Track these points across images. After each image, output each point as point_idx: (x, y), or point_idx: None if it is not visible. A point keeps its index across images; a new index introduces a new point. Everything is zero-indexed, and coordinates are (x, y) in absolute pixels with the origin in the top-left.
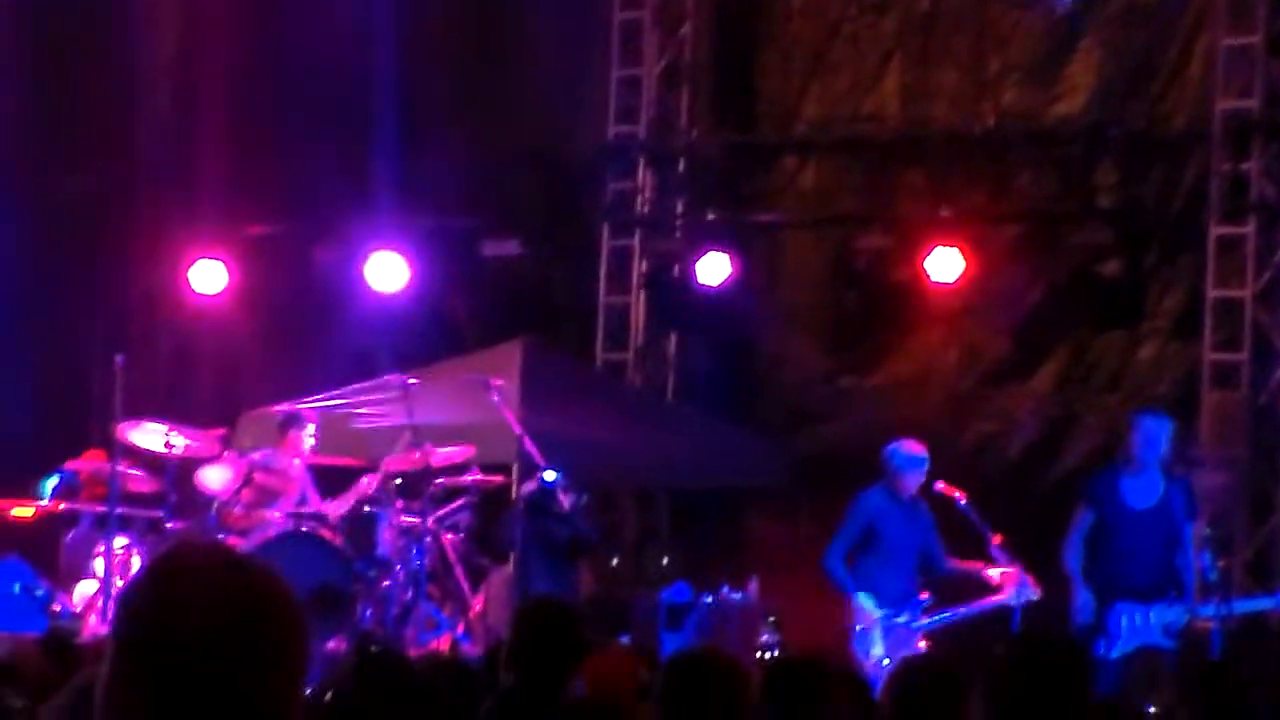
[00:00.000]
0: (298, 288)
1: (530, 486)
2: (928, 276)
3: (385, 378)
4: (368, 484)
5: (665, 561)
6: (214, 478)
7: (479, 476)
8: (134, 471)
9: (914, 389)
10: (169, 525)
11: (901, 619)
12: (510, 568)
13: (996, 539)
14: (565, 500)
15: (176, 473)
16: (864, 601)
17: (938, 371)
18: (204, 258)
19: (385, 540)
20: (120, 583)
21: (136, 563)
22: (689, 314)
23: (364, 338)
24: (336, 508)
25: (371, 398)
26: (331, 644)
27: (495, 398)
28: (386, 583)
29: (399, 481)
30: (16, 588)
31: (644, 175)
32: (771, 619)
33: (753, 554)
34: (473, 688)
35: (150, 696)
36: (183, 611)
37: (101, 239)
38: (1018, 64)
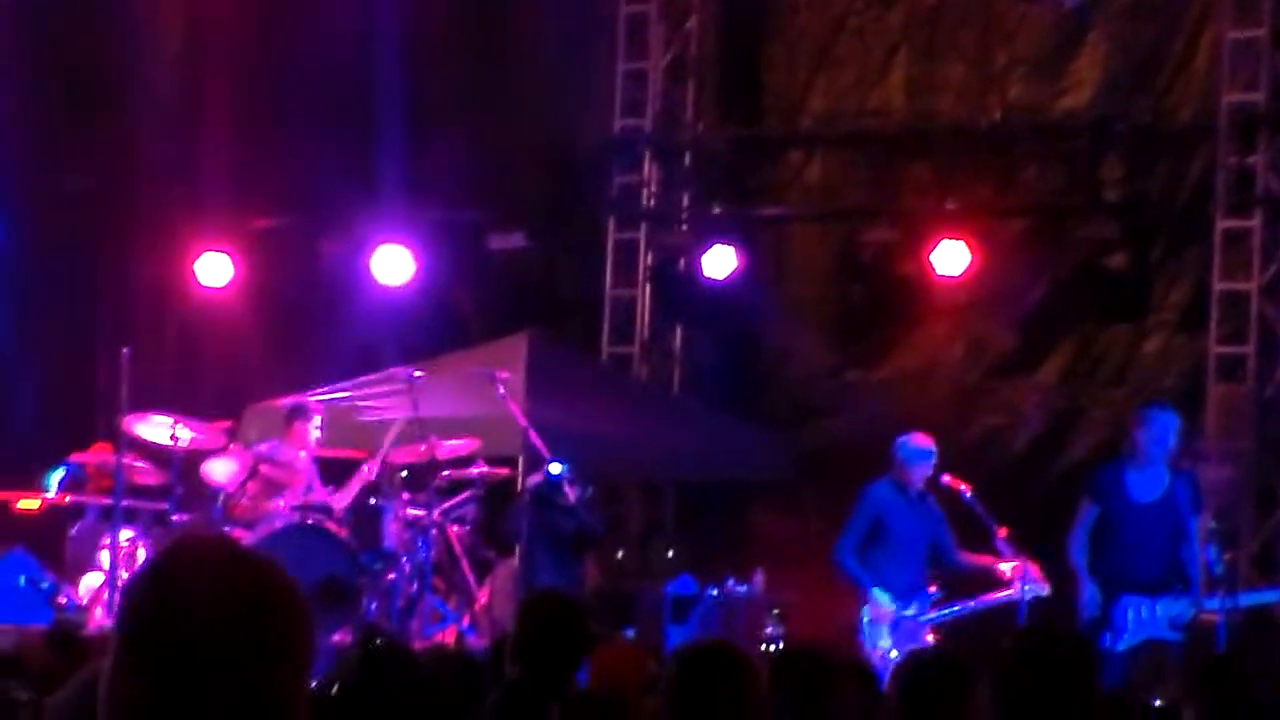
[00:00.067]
0: (303, 281)
1: (536, 479)
2: (934, 270)
3: (391, 370)
4: (368, 471)
5: (670, 554)
6: (220, 470)
7: (484, 469)
8: (140, 464)
9: (920, 382)
10: (175, 518)
11: (909, 612)
12: (516, 560)
13: (1002, 532)
14: (571, 493)
15: (182, 465)
16: (879, 596)
17: (943, 365)
18: (210, 251)
19: (391, 533)
20: (126, 575)
21: (142, 555)
22: (695, 307)
23: (369, 331)
24: (341, 499)
25: (377, 390)
26: (337, 636)
27: (501, 390)
28: (392, 575)
29: (405, 474)
30: (22, 580)
31: (650, 168)
32: (776, 611)
33: (758, 547)
34: (478, 680)
35: (154, 689)
36: (187, 605)
37: (107, 232)
38: (1024, 58)
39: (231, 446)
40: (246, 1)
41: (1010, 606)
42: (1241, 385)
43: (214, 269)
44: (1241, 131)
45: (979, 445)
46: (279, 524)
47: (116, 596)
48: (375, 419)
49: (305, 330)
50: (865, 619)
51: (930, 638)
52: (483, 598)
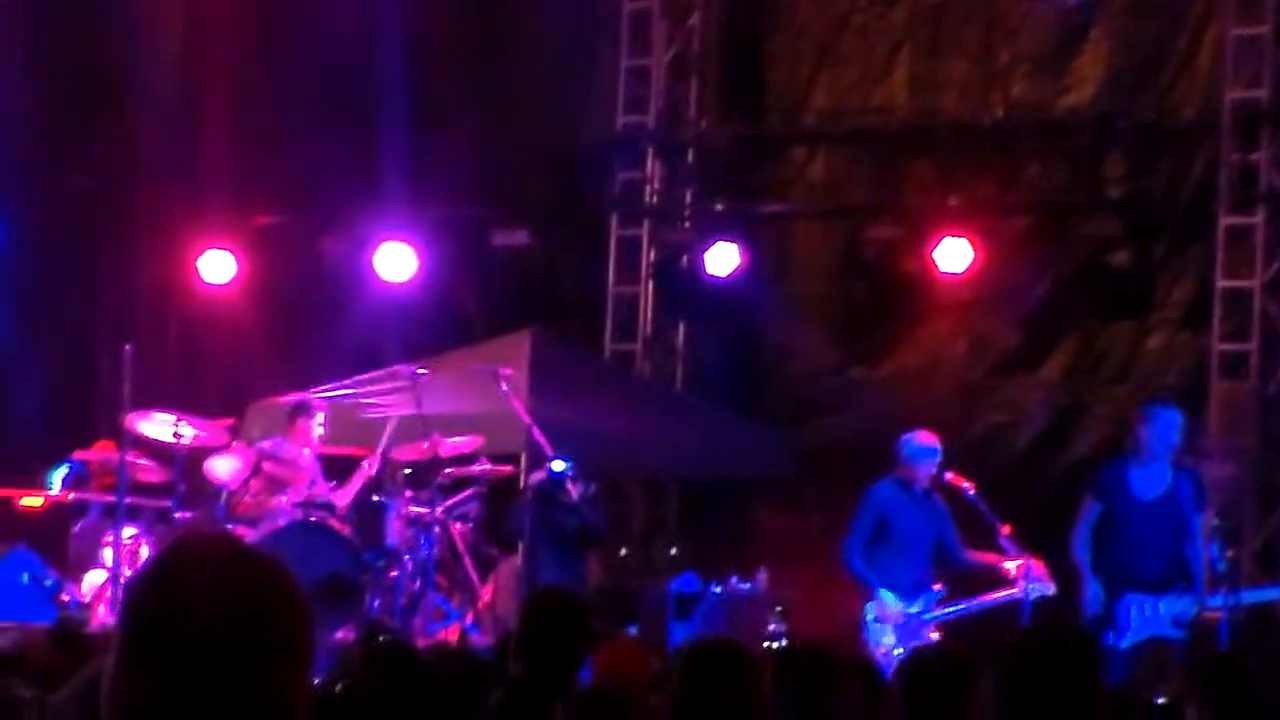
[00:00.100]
0: (306, 278)
1: (539, 476)
2: (937, 267)
3: (394, 368)
4: (368, 467)
5: (673, 552)
6: (223, 468)
7: (487, 466)
8: (143, 461)
9: (922, 380)
10: (177, 515)
11: (914, 610)
12: (519, 558)
13: (1005, 529)
14: (573, 490)
15: (185, 463)
16: (886, 597)
17: (946, 362)
18: (212, 248)
19: (394, 530)
20: (128, 573)
21: (145, 553)
22: (697, 304)
23: (372, 328)
24: (343, 496)
25: (380, 388)
26: (340, 634)
27: (504, 388)
28: (395, 573)
29: (408, 471)
30: (25, 578)
31: (652, 165)
32: (779, 608)
33: (761, 544)
34: (481, 678)
35: (155, 687)
36: (188, 604)
37: (109, 230)
38: (1027, 55)
39: (234, 444)
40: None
41: (1014, 604)
42: (1244, 382)
43: (216, 266)
44: (1244, 128)
45: (982, 443)
46: (282, 521)
47: (119, 594)
48: (378, 416)
49: (308, 327)
50: (869, 616)
51: (934, 635)
52: (486, 595)
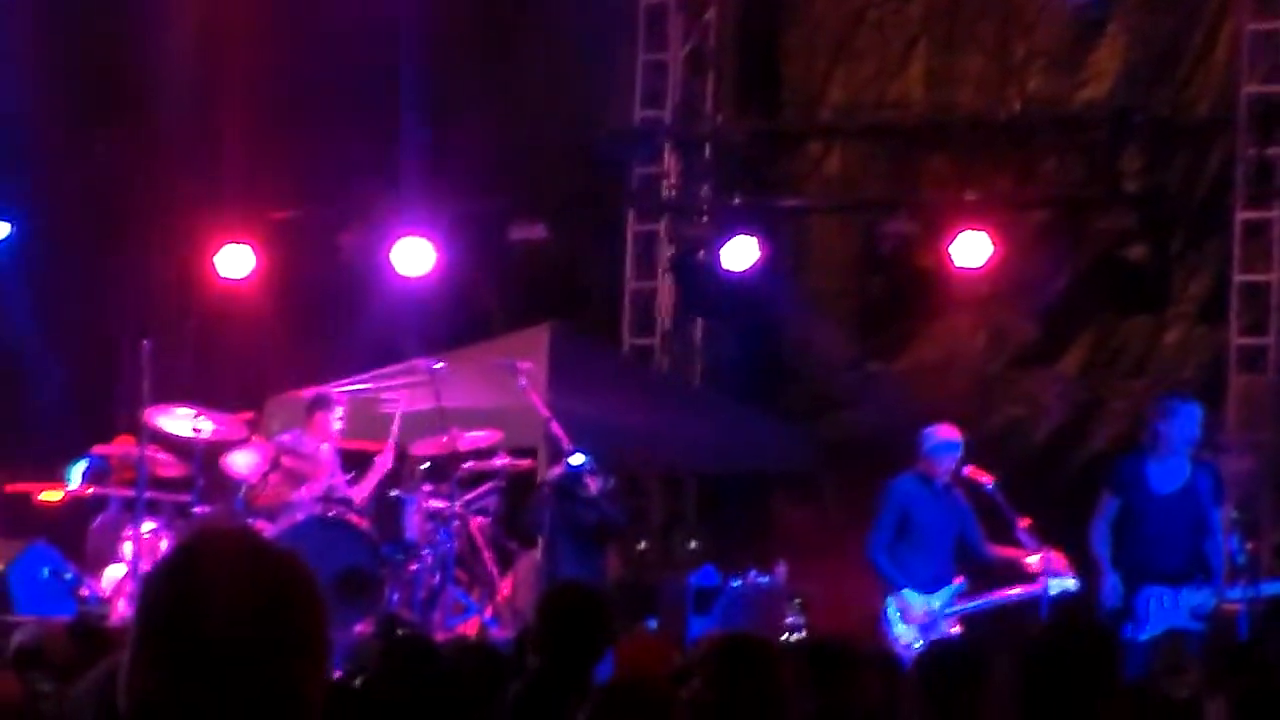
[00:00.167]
0: (324, 272)
1: (557, 471)
2: (953, 262)
3: (412, 362)
4: (383, 462)
5: (692, 545)
6: (241, 462)
7: (506, 461)
8: (162, 456)
9: (940, 374)
10: (196, 510)
11: (936, 604)
12: (538, 552)
13: (1023, 522)
14: (592, 484)
15: (204, 457)
16: (910, 597)
17: (964, 356)
18: (230, 242)
19: (413, 524)
20: (147, 567)
21: (164, 547)
22: (715, 299)
23: (390, 322)
24: (359, 491)
25: (398, 382)
26: (359, 628)
27: (522, 382)
28: (414, 567)
29: (427, 466)
30: (45, 572)
31: (670, 160)
32: (797, 601)
33: (779, 538)
34: (500, 671)
35: (172, 682)
36: (206, 597)
37: (128, 224)
38: (1043, 49)
39: (253, 438)
40: None
41: (1035, 599)
42: (1262, 376)
43: (235, 261)
44: (1261, 123)
45: (1000, 436)
46: (300, 516)
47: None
48: (397, 410)
49: (326, 322)
50: (890, 610)
51: (955, 629)
52: (505, 589)
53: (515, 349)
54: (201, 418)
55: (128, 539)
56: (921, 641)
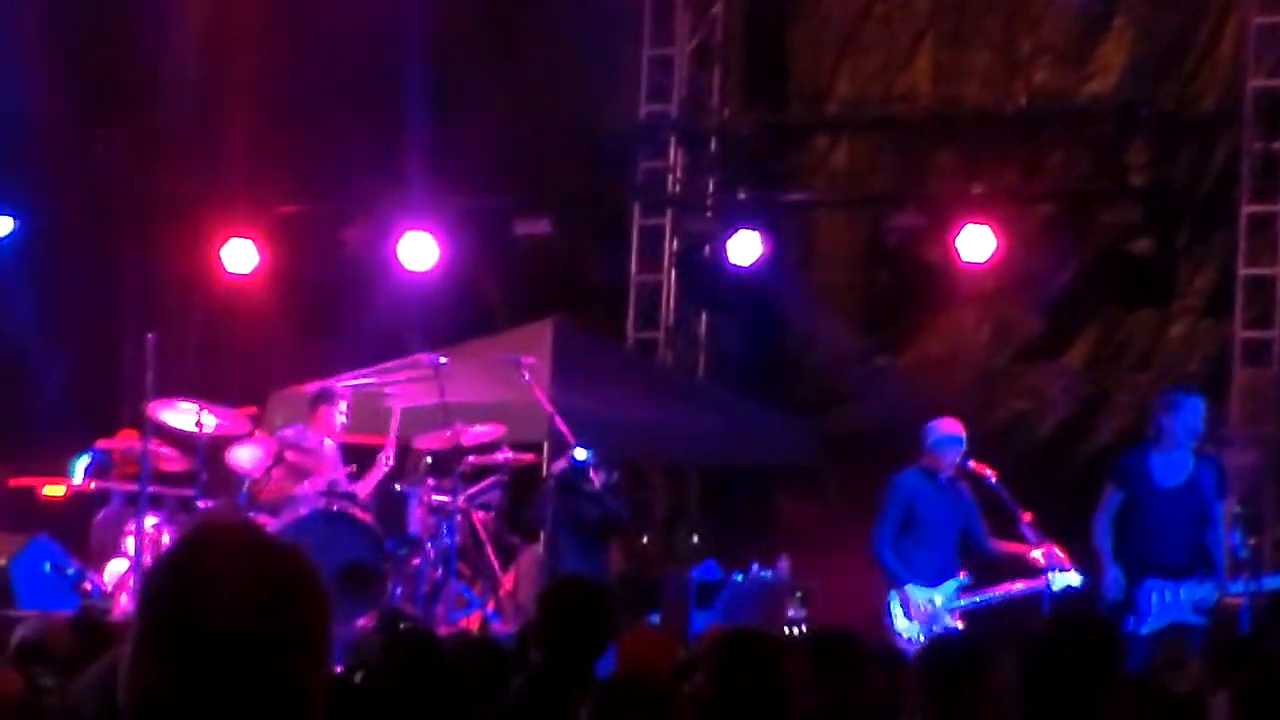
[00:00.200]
0: (329, 267)
1: (561, 465)
2: (959, 255)
3: (416, 356)
4: (385, 461)
5: (695, 540)
6: (245, 456)
7: (509, 455)
8: (165, 450)
9: (945, 367)
10: (200, 504)
11: (940, 598)
12: (540, 546)
13: (1027, 516)
14: (596, 479)
15: (207, 451)
16: (914, 593)
17: (969, 350)
18: (235, 237)
19: (416, 518)
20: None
21: (167, 541)
22: (720, 293)
23: (395, 317)
24: (361, 489)
25: (402, 376)
26: (362, 622)
27: (526, 376)
28: (417, 561)
29: (430, 460)
30: (47, 566)
31: (675, 154)
32: (799, 594)
33: (783, 532)
34: (502, 666)
35: (174, 677)
36: (208, 592)
37: (133, 219)
38: (1049, 44)
39: (256, 433)
40: None
41: (1039, 594)
42: (1266, 370)
43: (239, 255)
44: (1266, 117)
45: (1004, 430)
46: (304, 510)
47: (139, 583)
48: (400, 405)
49: (330, 316)
50: (894, 605)
51: (959, 624)
52: (507, 583)
53: (519, 344)
54: (205, 412)
55: (130, 533)
56: (925, 636)
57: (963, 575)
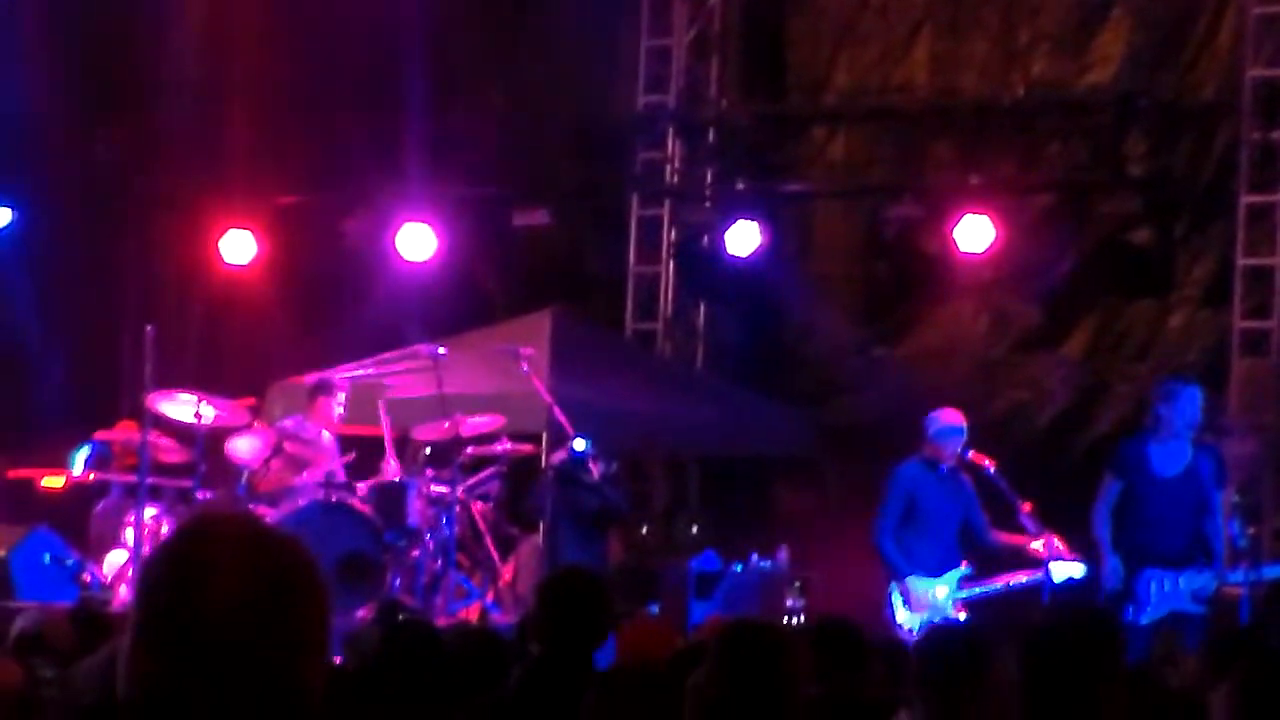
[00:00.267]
0: (327, 257)
1: (560, 456)
2: (957, 246)
3: (415, 347)
4: (389, 470)
5: (694, 530)
6: (244, 447)
7: (508, 446)
8: (164, 442)
9: (944, 358)
10: (199, 495)
11: (942, 589)
12: (539, 537)
13: (1026, 507)
14: (595, 469)
15: (206, 443)
16: (914, 585)
17: (968, 340)
18: (234, 228)
19: (415, 509)
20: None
21: (166, 532)
22: (718, 284)
23: (393, 307)
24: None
25: (401, 367)
26: (360, 613)
27: (525, 367)
28: (416, 552)
29: (429, 451)
30: (46, 558)
31: (673, 145)
32: (798, 584)
33: (782, 523)
34: (501, 657)
35: (172, 666)
36: (206, 582)
37: (131, 210)
38: (1047, 34)
39: (255, 424)
40: None
41: (1040, 585)
42: (1265, 360)
43: (238, 246)
44: (1265, 107)
45: (1003, 421)
46: (303, 501)
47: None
48: (399, 396)
49: (329, 307)
50: (895, 596)
51: (961, 615)
52: (507, 574)
53: (518, 334)
54: (204, 403)
55: (130, 524)
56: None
57: (964, 566)
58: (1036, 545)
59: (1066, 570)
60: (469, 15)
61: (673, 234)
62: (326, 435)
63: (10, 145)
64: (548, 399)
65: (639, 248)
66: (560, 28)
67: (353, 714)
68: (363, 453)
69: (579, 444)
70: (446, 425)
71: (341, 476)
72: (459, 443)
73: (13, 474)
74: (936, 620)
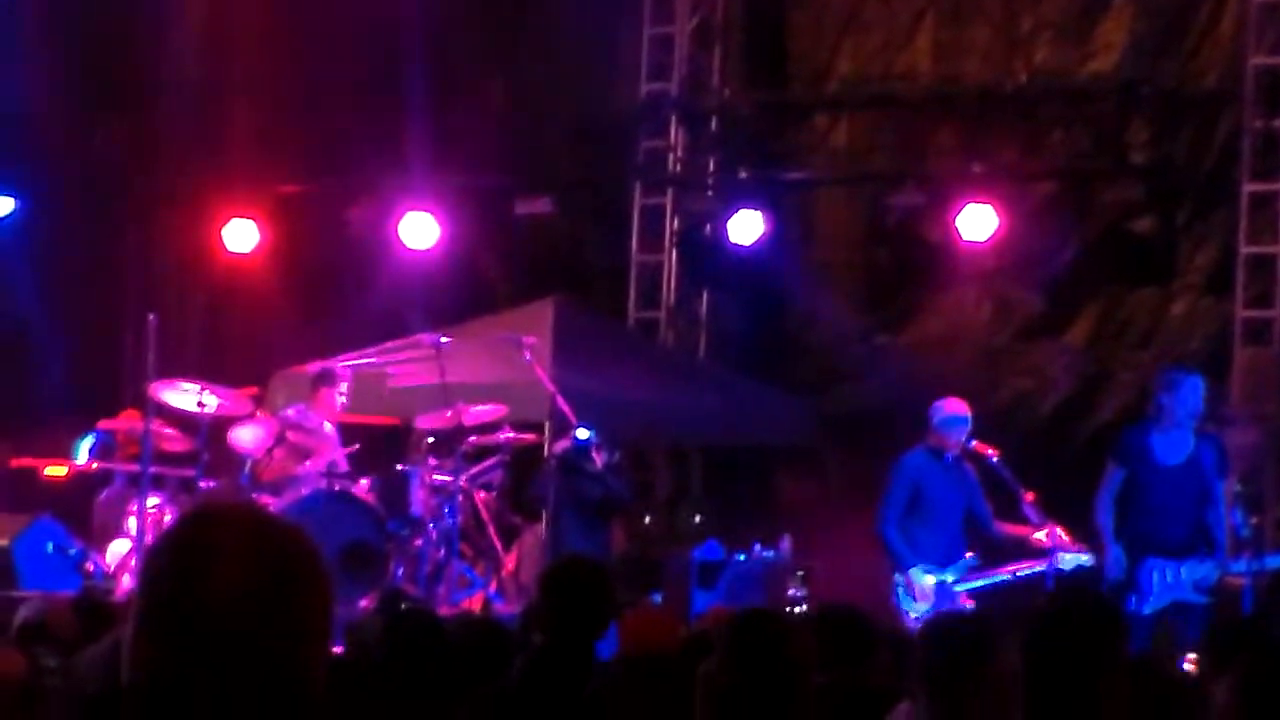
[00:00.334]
0: (330, 246)
1: (563, 445)
2: (960, 234)
3: (417, 336)
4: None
5: (697, 520)
6: (246, 436)
7: (511, 435)
8: (167, 431)
9: (947, 346)
10: (202, 484)
11: (947, 578)
12: (542, 526)
13: (1029, 496)
14: (598, 458)
15: (209, 432)
16: (918, 576)
17: (970, 328)
18: (236, 217)
19: (418, 499)
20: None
21: (169, 521)
22: (721, 272)
23: (396, 296)
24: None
25: (404, 356)
26: (363, 602)
27: (528, 356)
28: (419, 541)
29: (431, 440)
30: (50, 547)
31: (676, 133)
32: (800, 574)
33: (784, 512)
34: (505, 647)
35: (175, 655)
36: (209, 571)
37: (134, 199)
38: (1050, 21)
39: (258, 413)
40: None
41: (1044, 574)
42: (1267, 349)
43: (241, 235)
44: (1267, 95)
45: (1006, 409)
46: (305, 490)
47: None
48: (402, 385)
49: (332, 296)
50: (900, 587)
51: (967, 605)
52: (510, 564)
53: (520, 323)
54: (206, 392)
55: (133, 514)
56: None
57: (969, 555)
58: (1040, 535)
59: (1075, 559)
60: (471, 7)
61: (675, 222)
62: (328, 425)
63: (13, 137)
64: (550, 388)
65: (641, 236)
66: (563, 16)
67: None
68: (365, 442)
69: (582, 433)
70: (449, 414)
71: (344, 466)
72: (462, 432)
73: (16, 463)
74: (941, 602)
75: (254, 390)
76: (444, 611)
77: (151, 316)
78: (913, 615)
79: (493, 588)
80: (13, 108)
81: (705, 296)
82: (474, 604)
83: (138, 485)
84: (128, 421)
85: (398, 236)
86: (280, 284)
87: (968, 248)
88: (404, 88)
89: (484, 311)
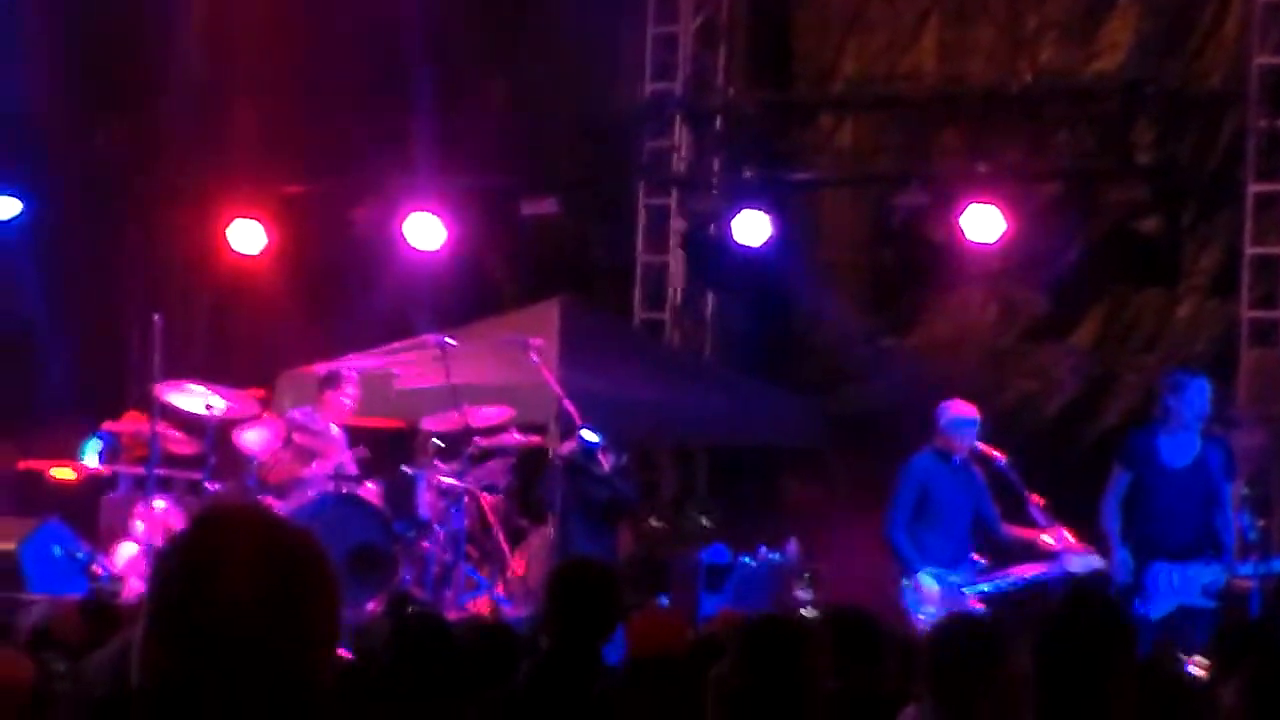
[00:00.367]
0: (336, 247)
1: (569, 447)
2: (965, 235)
3: (423, 337)
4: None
5: (704, 522)
6: (253, 438)
7: (518, 437)
8: (174, 433)
9: (952, 347)
10: (208, 486)
11: (955, 579)
12: (549, 528)
13: (1036, 500)
14: (604, 460)
15: (216, 434)
16: (926, 580)
17: (976, 329)
18: (242, 217)
19: (424, 501)
20: (160, 544)
21: (176, 524)
22: (726, 273)
23: (402, 297)
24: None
25: (410, 357)
26: (371, 605)
27: (534, 357)
28: (426, 544)
29: (438, 442)
30: (57, 550)
31: (681, 133)
32: (806, 576)
33: (790, 514)
34: (512, 650)
35: (184, 658)
36: (218, 574)
37: (139, 200)
38: (1055, 21)
39: (264, 415)
40: None
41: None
42: (1273, 350)
43: (246, 235)
44: (1272, 95)
45: (1012, 411)
46: (313, 492)
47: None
48: (408, 387)
49: (338, 297)
50: (909, 590)
51: (976, 608)
52: (516, 566)
53: (526, 324)
54: (213, 394)
55: (139, 516)
56: None
57: (977, 558)
58: (1046, 538)
59: (1085, 562)
60: (475, 7)
61: (680, 223)
62: (335, 427)
63: (16, 137)
64: (557, 389)
65: (646, 237)
66: (567, 15)
67: (362, 707)
68: (370, 445)
69: (588, 435)
70: (456, 416)
71: (351, 468)
72: (468, 434)
73: (22, 466)
74: (950, 605)
75: (260, 392)
76: (451, 614)
77: (156, 317)
78: (921, 618)
79: (500, 590)
80: (15, 108)
81: (710, 297)
82: (481, 606)
83: (144, 488)
84: (131, 423)
85: (403, 237)
86: (286, 285)
87: (973, 248)
88: (408, 88)
89: (490, 312)
